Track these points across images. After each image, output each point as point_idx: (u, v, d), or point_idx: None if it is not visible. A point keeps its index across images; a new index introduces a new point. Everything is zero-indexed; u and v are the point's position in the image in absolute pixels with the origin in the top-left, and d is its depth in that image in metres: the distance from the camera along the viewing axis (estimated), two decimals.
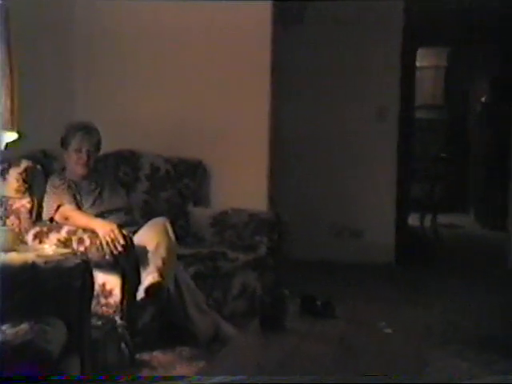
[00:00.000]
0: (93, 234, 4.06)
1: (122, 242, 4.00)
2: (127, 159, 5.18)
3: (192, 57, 5.47)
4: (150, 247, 4.10)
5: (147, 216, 4.68)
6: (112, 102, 5.47)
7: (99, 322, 3.86)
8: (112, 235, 4.01)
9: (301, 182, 7.14)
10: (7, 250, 3.39)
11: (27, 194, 4.30)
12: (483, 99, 11.39)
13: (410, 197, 8.69)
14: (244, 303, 4.75)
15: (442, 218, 9.99)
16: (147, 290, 4.01)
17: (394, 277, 6.73)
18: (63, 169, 4.53)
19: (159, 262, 4.05)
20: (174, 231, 4.31)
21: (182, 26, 5.43)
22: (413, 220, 9.35)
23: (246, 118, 5.42)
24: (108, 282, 4.05)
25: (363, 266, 6.84)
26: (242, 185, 5.37)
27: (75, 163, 4.45)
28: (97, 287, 3.85)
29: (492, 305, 5.60)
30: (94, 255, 3.96)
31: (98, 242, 4.02)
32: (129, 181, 5.10)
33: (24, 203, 4.29)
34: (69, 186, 4.41)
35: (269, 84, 5.45)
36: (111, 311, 4.03)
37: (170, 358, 4.06)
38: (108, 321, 3.95)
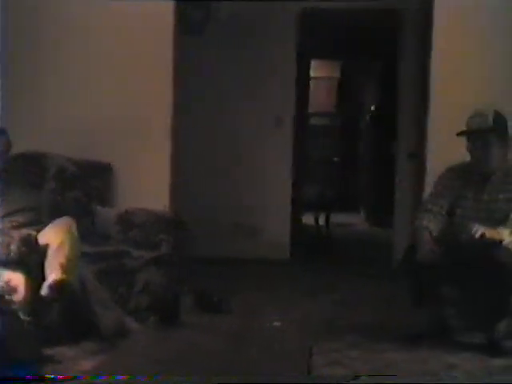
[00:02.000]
0: None
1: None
2: (35, 160, 5.04)
3: (100, 60, 5.38)
4: (54, 245, 4.02)
5: (54, 215, 4.56)
6: (23, 106, 5.32)
7: (5, 318, 3.75)
8: None
9: (203, 183, 7.09)
10: None
11: None
12: (372, 108, 11.57)
13: (305, 197, 8.74)
14: (147, 299, 4.67)
15: (334, 217, 10.09)
16: (51, 287, 3.92)
17: (289, 272, 6.75)
18: None
19: (63, 260, 3.97)
20: (80, 230, 4.24)
21: (89, 31, 5.33)
22: (307, 219, 9.41)
23: (148, 121, 5.37)
24: (13, 279, 3.94)
25: (260, 263, 6.83)
26: (145, 185, 5.31)
27: None
28: (1, 284, 3.75)
29: (380, 296, 5.67)
30: None
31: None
32: (37, 181, 4.96)
33: None
34: None
35: (171, 89, 5.41)
36: (16, 307, 3.92)
37: (74, 352, 3.96)
38: (13, 317, 3.84)
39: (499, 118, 4.37)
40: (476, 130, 4.36)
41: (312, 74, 9.07)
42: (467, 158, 4.52)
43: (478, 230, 4.05)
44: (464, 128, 4.43)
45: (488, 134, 4.35)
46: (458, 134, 4.42)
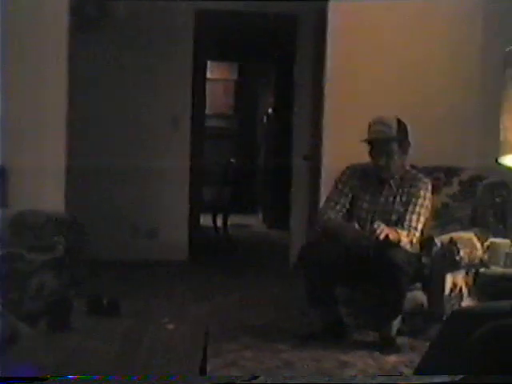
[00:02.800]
0: None
1: None
2: None
3: None
4: None
5: None
6: None
7: None
8: None
9: (98, 183, 6.99)
10: None
11: None
12: (270, 110, 11.66)
13: (203, 199, 8.75)
14: (40, 303, 4.57)
15: (233, 219, 10.13)
16: None
17: (187, 274, 6.73)
18: None
19: None
20: None
21: None
22: (205, 220, 9.42)
23: (42, 121, 5.24)
24: None
25: (159, 264, 6.79)
26: (39, 187, 5.18)
27: None
28: None
29: (277, 297, 5.71)
30: None
31: None
32: None
33: None
34: None
35: (65, 88, 5.31)
36: None
37: None
38: None
39: (401, 127, 4.49)
40: (382, 138, 4.45)
41: (209, 75, 9.07)
42: (361, 160, 4.60)
43: (384, 231, 4.13)
44: (360, 129, 4.50)
45: (391, 143, 4.45)
46: (364, 141, 4.49)
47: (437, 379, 2.40)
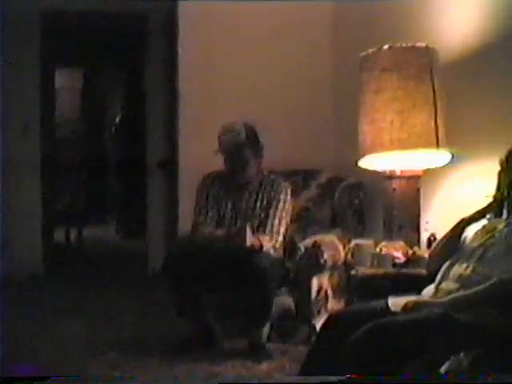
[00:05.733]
0: None
1: None
2: None
3: None
4: None
5: None
6: None
7: None
8: None
9: None
10: None
11: None
12: (117, 119, 11.51)
13: (55, 209, 8.47)
14: None
15: (87, 230, 9.90)
16: None
17: (41, 289, 6.46)
18: None
19: None
20: None
21: None
22: (58, 232, 9.13)
23: None
24: None
25: (9, 280, 6.46)
26: None
27: None
28: None
29: (138, 310, 5.57)
30: None
31: None
32: None
33: None
34: None
35: None
36: None
37: None
38: None
39: (250, 131, 4.49)
40: (233, 146, 4.43)
41: (56, 81, 8.79)
42: (220, 161, 4.56)
43: (247, 239, 4.12)
44: (216, 140, 4.48)
45: (243, 149, 4.44)
46: (215, 152, 4.45)
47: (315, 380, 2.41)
